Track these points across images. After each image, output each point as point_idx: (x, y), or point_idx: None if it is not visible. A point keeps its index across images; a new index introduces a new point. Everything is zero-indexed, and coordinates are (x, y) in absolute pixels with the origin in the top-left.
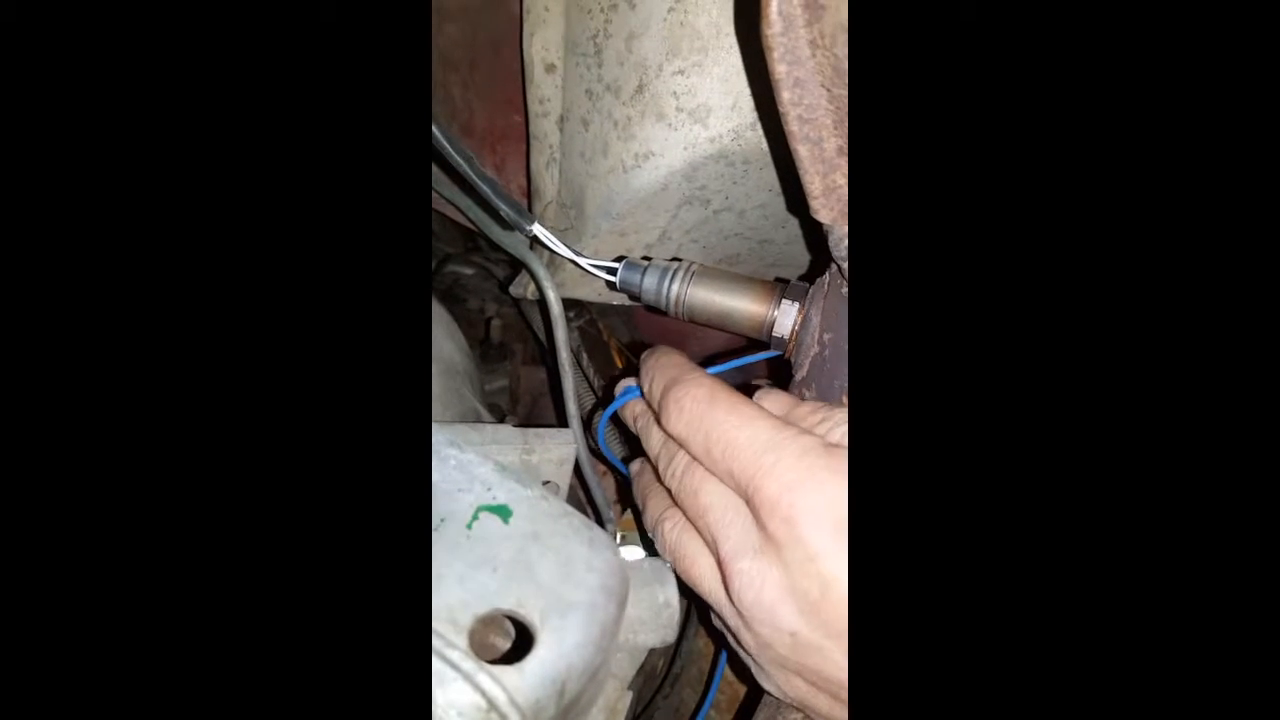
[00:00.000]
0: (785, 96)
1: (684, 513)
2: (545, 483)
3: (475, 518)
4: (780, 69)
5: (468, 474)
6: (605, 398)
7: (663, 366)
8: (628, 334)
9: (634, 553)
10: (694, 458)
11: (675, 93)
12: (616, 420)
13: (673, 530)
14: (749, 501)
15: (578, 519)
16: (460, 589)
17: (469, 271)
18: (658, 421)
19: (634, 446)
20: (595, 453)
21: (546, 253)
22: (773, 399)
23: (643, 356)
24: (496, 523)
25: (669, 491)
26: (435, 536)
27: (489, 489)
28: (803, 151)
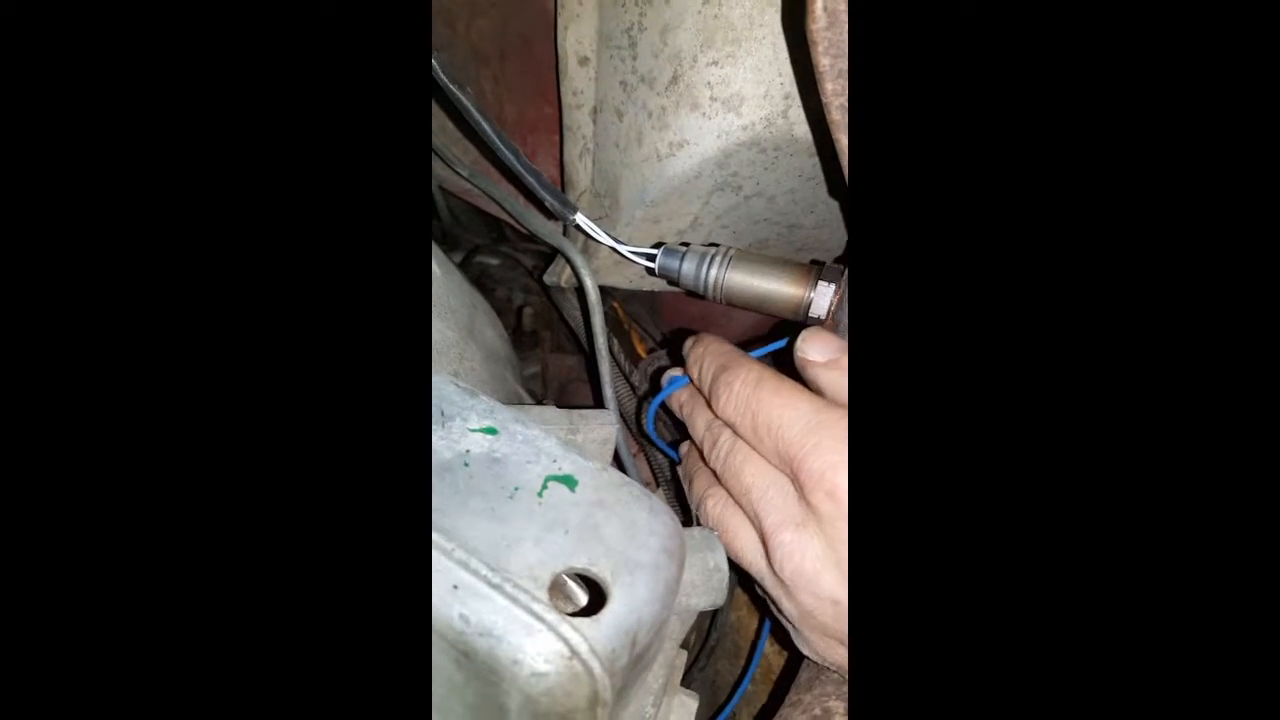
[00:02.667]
0: (829, 88)
1: (728, 490)
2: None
3: (545, 486)
4: (824, 62)
5: (534, 447)
6: (653, 387)
7: (713, 353)
8: (650, 320)
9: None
10: (741, 438)
11: (709, 83)
12: (662, 408)
13: (716, 506)
14: (794, 478)
15: (636, 488)
16: (538, 550)
17: (496, 262)
18: (707, 405)
19: (679, 433)
20: (635, 436)
21: (581, 241)
22: (820, 341)
23: (688, 344)
24: (564, 491)
25: (714, 472)
26: (511, 504)
27: (554, 460)
28: (844, 140)
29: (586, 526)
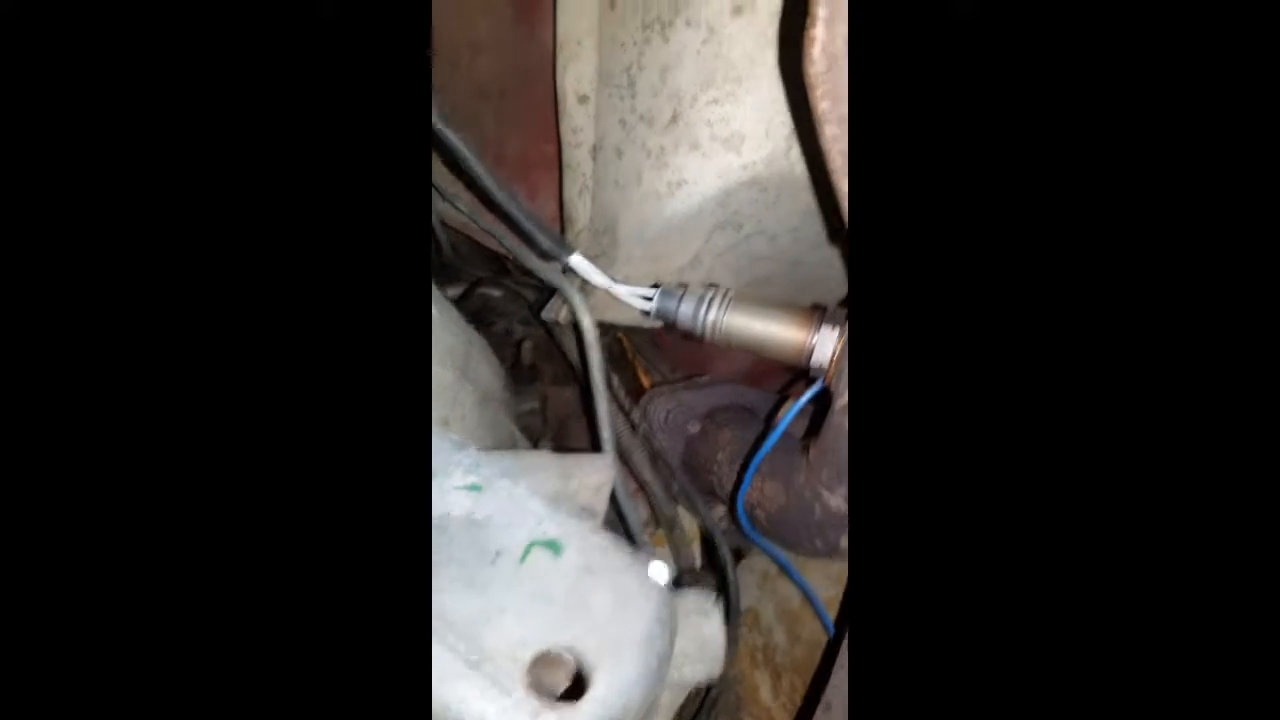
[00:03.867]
0: (828, 132)
1: None
2: (582, 509)
3: (528, 552)
4: (823, 106)
5: (519, 507)
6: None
7: None
8: (653, 351)
9: (661, 570)
10: None
11: (709, 121)
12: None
13: None
14: None
15: (627, 552)
16: (519, 625)
17: (498, 294)
18: None
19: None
20: (633, 474)
21: (579, 278)
22: None
23: None
24: (548, 557)
25: None
26: (492, 571)
27: (540, 523)
28: (844, 185)
29: (572, 597)
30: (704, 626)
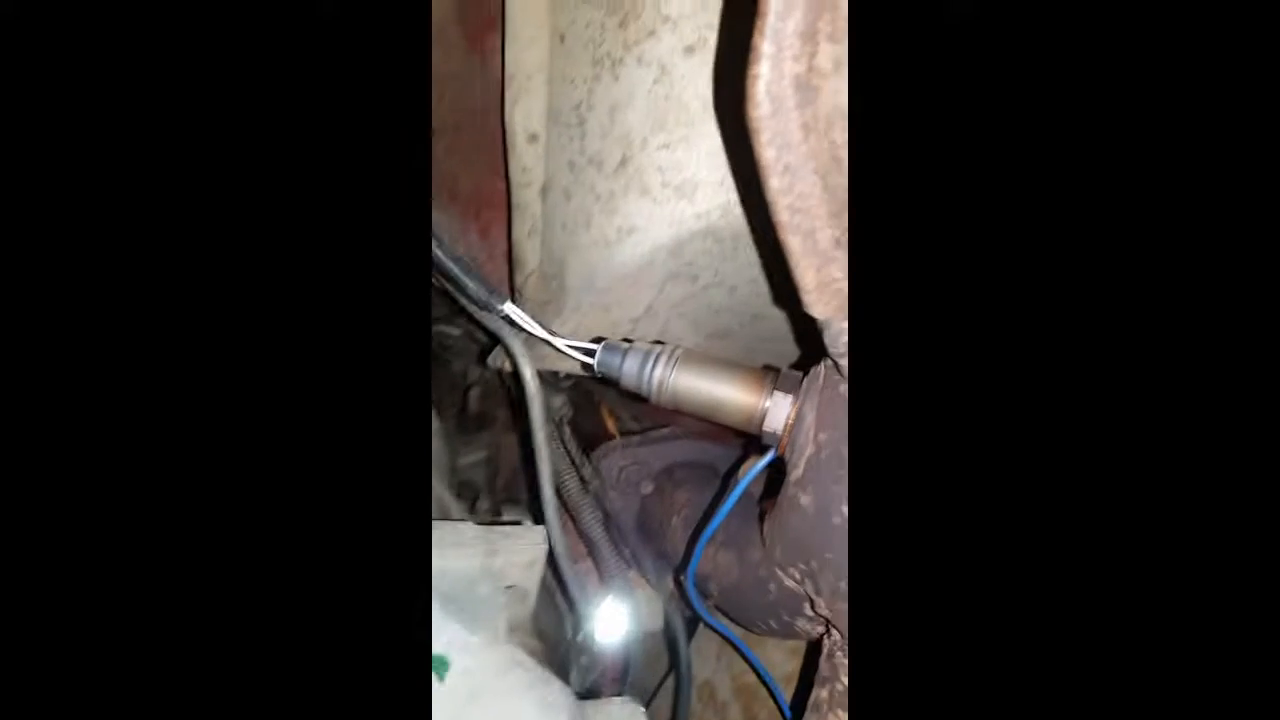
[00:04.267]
0: (774, 184)
1: None
2: (509, 587)
3: None
4: (768, 154)
5: None
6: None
7: None
8: (619, 397)
9: (614, 626)
10: None
11: (660, 167)
12: None
13: None
14: None
15: (530, 672)
16: None
17: (455, 332)
18: None
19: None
20: (582, 539)
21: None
22: None
23: None
24: (431, 680)
25: None
26: None
27: None
28: (794, 243)
29: None
30: None
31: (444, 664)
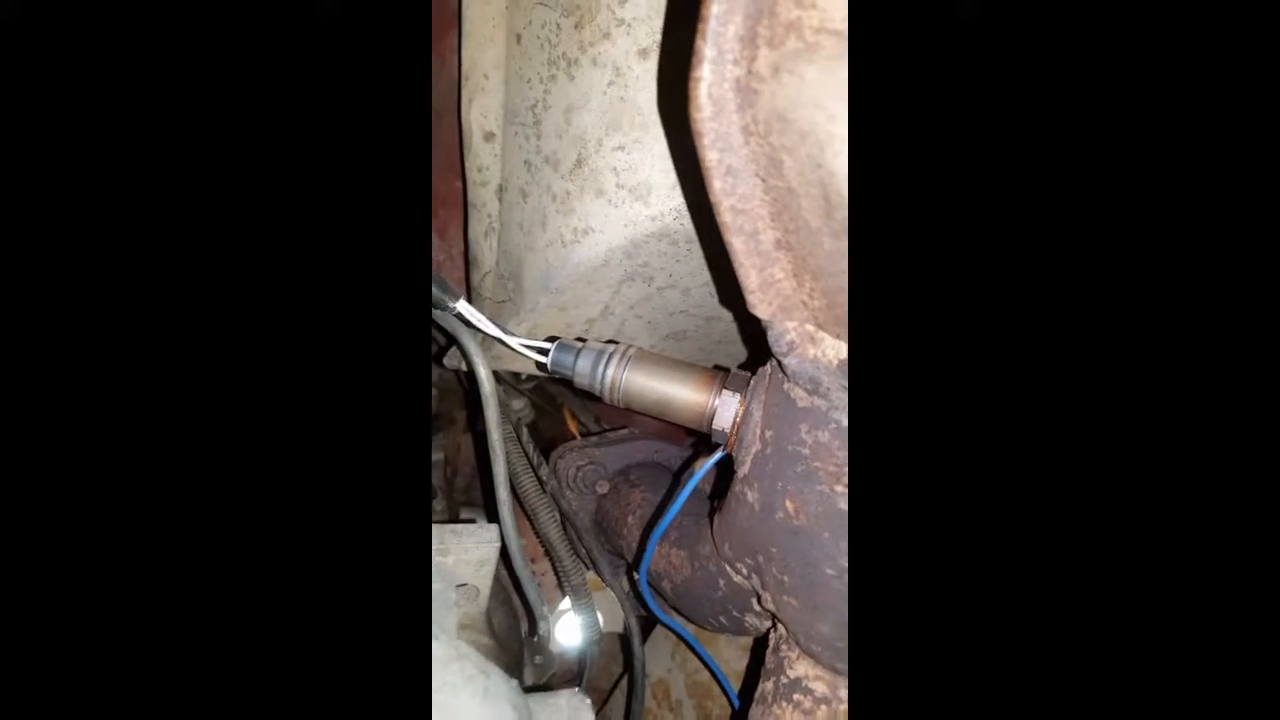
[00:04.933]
0: (717, 185)
1: None
2: (461, 585)
3: None
4: (711, 156)
5: None
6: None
7: None
8: (581, 398)
9: (571, 627)
10: None
11: (615, 169)
12: None
13: None
14: None
15: (472, 663)
16: None
17: None
18: None
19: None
20: (540, 540)
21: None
22: None
23: None
24: None
25: None
26: None
27: None
28: (737, 244)
29: None
30: None
31: None
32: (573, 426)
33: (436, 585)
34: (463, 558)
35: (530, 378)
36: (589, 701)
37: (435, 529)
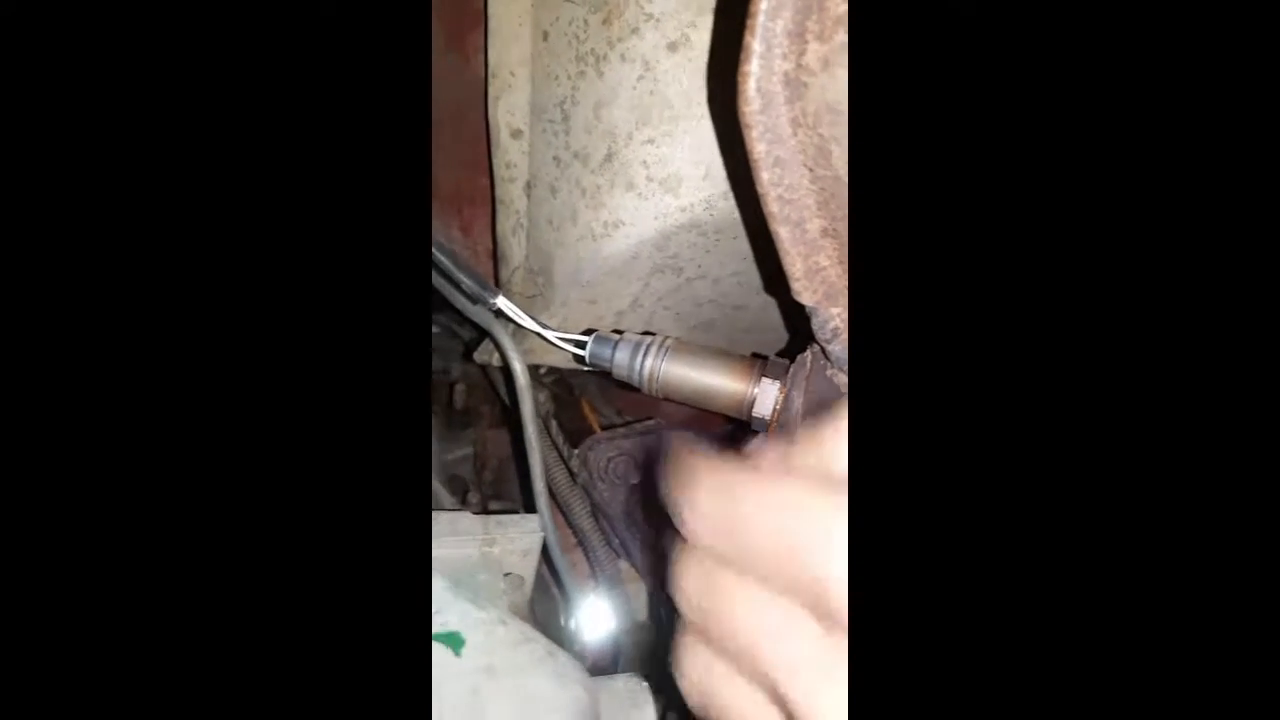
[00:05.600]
0: (765, 177)
1: (713, 644)
2: (507, 575)
3: None
4: (759, 148)
5: None
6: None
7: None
8: (600, 391)
9: (602, 617)
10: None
11: (645, 162)
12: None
13: (696, 670)
14: (816, 604)
15: (540, 645)
16: None
17: (435, 330)
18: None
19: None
20: (571, 528)
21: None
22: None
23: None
24: (447, 655)
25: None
26: None
27: (438, 612)
28: (783, 233)
29: (469, 706)
30: (635, 719)
31: (459, 640)
32: (592, 419)
33: (484, 576)
34: (508, 548)
35: (550, 371)
36: (646, 685)
37: (480, 520)
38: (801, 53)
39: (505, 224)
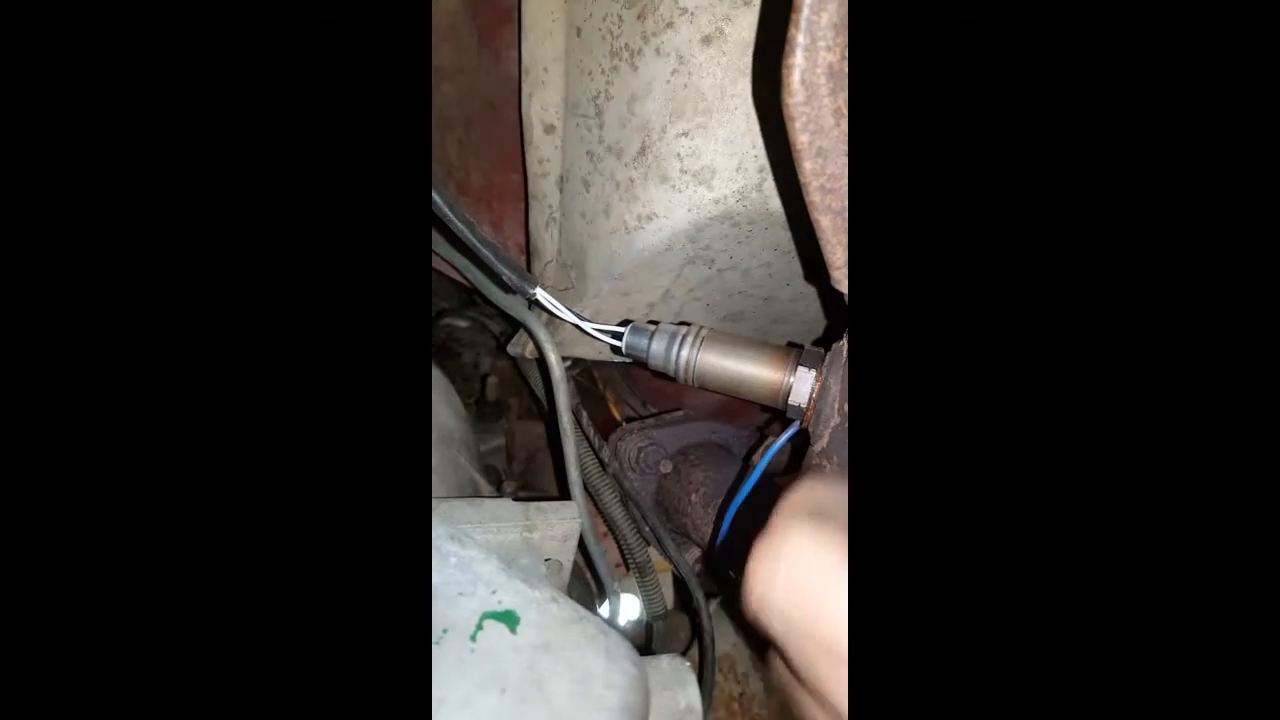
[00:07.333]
0: (807, 167)
1: None
2: (547, 560)
3: (480, 627)
4: (802, 139)
5: (470, 573)
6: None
7: None
8: (625, 384)
9: (631, 603)
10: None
11: (679, 154)
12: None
13: None
14: None
15: (592, 624)
16: (467, 716)
17: (464, 324)
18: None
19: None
20: (603, 516)
21: (545, 312)
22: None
23: None
24: (503, 632)
25: None
26: (437, 652)
27: (493, 591)
28: (824, 222)
29: (528, 681)
30: (680, 698)
31: (514, 618)
32: (615, 410)
33: (526, 560)
34: (548, 533)
35: (576, 362)
36: (688, 664)
37: (521, 507)
38: (845, 45)
39: (538, 218)
